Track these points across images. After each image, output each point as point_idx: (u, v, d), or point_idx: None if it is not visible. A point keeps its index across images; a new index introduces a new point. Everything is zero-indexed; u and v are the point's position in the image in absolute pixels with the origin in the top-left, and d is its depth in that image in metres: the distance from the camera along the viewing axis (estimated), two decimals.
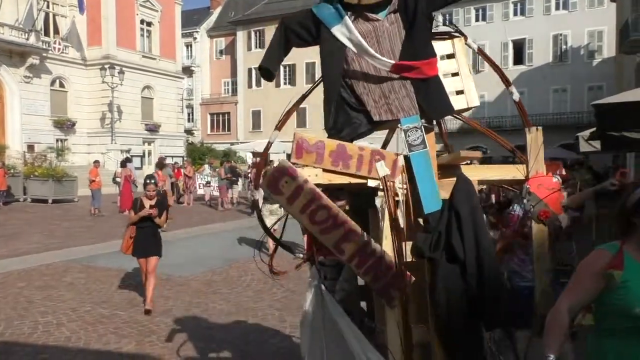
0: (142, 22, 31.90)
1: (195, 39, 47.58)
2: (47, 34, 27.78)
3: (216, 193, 21.06)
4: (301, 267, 3.02)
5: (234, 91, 46.09)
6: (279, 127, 2.86)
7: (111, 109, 28.06)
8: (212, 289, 7.87)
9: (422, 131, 2.67)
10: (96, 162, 18.55)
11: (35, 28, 26.00)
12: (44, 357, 5.15)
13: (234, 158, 30.13)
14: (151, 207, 6.64)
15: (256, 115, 44.18)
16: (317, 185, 2.49)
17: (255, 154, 30.98)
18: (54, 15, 28.58)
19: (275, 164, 2.48)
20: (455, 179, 2.65)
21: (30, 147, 25.29)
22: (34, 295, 7.30)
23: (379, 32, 2.72)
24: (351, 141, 2.71)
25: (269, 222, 9.53)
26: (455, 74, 2.90)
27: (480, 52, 3.05)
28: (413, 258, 2.59)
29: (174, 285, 8.00)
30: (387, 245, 2.54)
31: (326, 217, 2.39)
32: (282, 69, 42.67)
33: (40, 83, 26.83)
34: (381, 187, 2.57)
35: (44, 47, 26.65)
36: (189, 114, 46.36)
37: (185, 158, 29.53)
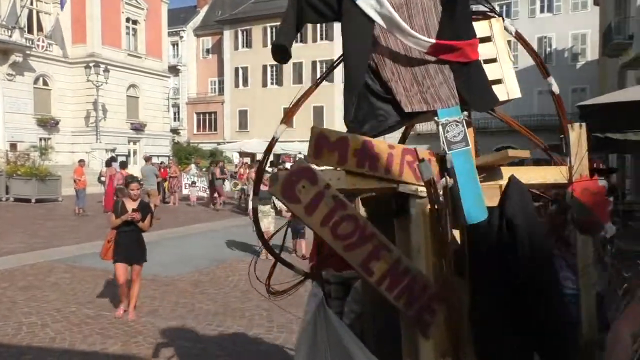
0: (127, 20, 31.62)
1: (181, 37, 47.28)
2: (30, 31, 27.40)
3: (202, 193, 20.96)
4: (302, 285, 2.54)
5: (221, 90, 45.88)
6: (285, 120, 2.33)
7: (96, 107, 27.75)
8: (198, 289, 7.83)
9: (463, 126, 2.22)
10: (81, 161, 18.35)
11: (18, 25, 25.62)
12: (28, 358, 5.07)
13: (220, 158, 29.99)
14: (134, 210, 6.19)
15: (243, 115, 44.03)
16: (340, 190, 2.07)
17: (242, 154, 30.94)
18: (37, 12, 28.20)
19: (287, 165, 2.25)
20: (499, 182, 2.25)
21: (13, 146, 24.92)
22: (17, 296, 7.18)
23: (412, 5, 2.29)
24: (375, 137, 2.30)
25: (261, 225, 9.52)
26: (492, 60, 2.47)
27: (519, 36, 2.59)
28: (453, 277, 2.15)
29: (160, 285, 7.94)
30: (420, 262, 2.12)
31: (352, 230, 1.99)
32: (268, 68, 42.67)
33: (23, 81, 26.45)
34: (416, 192, 2.14)
35: (28, 44, 26.30)
36: (175, 113, 46.04)
37: (170, 157, 29.31)
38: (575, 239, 2.43)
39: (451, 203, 2.12)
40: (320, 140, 2.06)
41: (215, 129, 45.83)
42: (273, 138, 2.26)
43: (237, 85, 44.34)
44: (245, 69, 43.74)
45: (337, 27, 40.49)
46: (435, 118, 2.23)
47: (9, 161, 22.14)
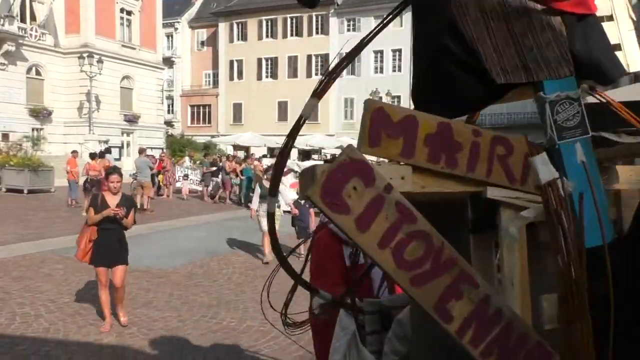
0: (122, 10, 31.38)
1: (176, 29, 47.00)
2: (23, 20, 27.14)
3: (195, 186, 20.93)
4: (327, 313, 2.06)
5: (215, 83, 45.71)
6: (318, 93, 1.56)
7: (89, 98, 27.57)
8: (192, 281, 7.85)
9: (580, 105, 1.58)
10: (74, 152, 18.25)
11: (11, 14, 25.37)
12: (22, 349, 5.08)
13: (214, 151, 29.92)
14: (117, 205, 5.57)
15: (237, 108, 43.92)
16: (405, 195, 1.40)
17: (236, 147, 30.89)
18: (30, 1, 27.92)
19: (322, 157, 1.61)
20: (614, 187, 1.66)
21: (5, 136, 24.74)
22: (10, 286, 7.18)
23: None
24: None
25: (265, 225, 9.31)
26: (607, 18, 1.86)
27: None
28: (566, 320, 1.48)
29: (154, 277, 7.96)
30: (515, 301, 1.47)
31: (423, 255, 1.35)
32: (263, 62, 42.58)
33: (15, 70, 26.22)
34: (512, 199, 1.48)
35: (20, 33, 26.05)
36: (169, 106, 45.85)
37: (163, 150, 29.22)
38: None
39: (571, 217, 1.46)
40: (379, 120, 1.37)
41: (210, 122, 45.70)
42: (301, 117, 1.51)
43: (231, 78, 44.20)
44: (240, 62, 43.59)
45: (332, 21, 40.43)
46: (540, 93, 1.54)
47: (1, 151, 22.00)
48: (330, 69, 1.59)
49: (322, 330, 2.30)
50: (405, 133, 1.39)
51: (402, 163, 1.41)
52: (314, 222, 9.65)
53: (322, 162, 1.46)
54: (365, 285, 2.14)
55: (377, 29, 1.69)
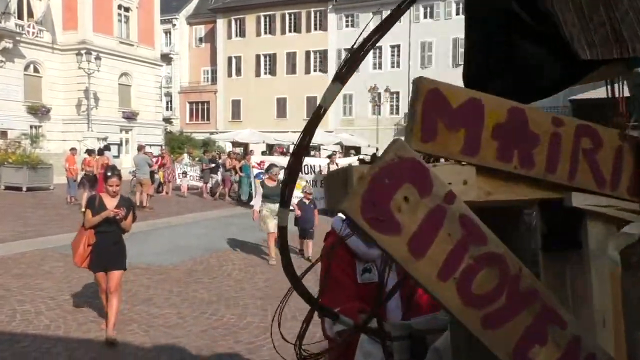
0: (119, 7, 31.28)
1: (174, 25, 46.86)
2: (20, 17, 27.04)
3: (195, 182, 20.91)
4: (347, 340, 1.81)
5: (214, 80, 45.63)
6: (342, 75, 1.09)
7: (87, 95, 27.51)
8: (192, 278, 7.86)
9: None
10: (73, 149, 18.23)
11: (8, 11, 25.28)
12: (23, 345, 5.10)
13: (213, 148, 29.89)
14: (116, 206, 5.34)
15: (236, 104, 43.86)
16: (469, 204, 1.06)
17: (235, 144, 30.84)
18: None
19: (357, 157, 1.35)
20: None
21: (3, 133, 24.68)
22: (10, 284, 7.18)
23: None
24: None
25: (270, 226, 8.78)
26: None
27: None
28: None
29: (154, 274, 7.97)
30: (608, 342, 1.14)
31: (496, 286, 1.02)
32: (262, 58, 42.50)
33: (13, 67, 26.15)
34: (604, 209, 1.13)
35: (18, 30, 25.96)
36: (167, 103, 45.76)
37: (162, 147, 29.19)
38: None
39: None
40: (435, 105, 1.00)
41: (208, 119, 45.64)
42: (321, 108, 1.09)
43: (230, 75, 44.12)
44: (238, 59, 43.51)
45: (331, 17, 40.36)
46: (638, 69, 1.22)
47: (0, 149, 21.96)
48: (357, 45, 1.12)
49: (340, 358, 2.00)
50: (468, 123, 1.03)
51: (463, 163, 1.05)
52: (317, 218, 9.61)
53: (355, 163, 1.06)
54: (375, 301, 1.74)
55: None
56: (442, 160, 1.08)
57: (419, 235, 0.94)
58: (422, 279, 0.95)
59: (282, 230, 1.17)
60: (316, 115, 1.07)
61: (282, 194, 1.06)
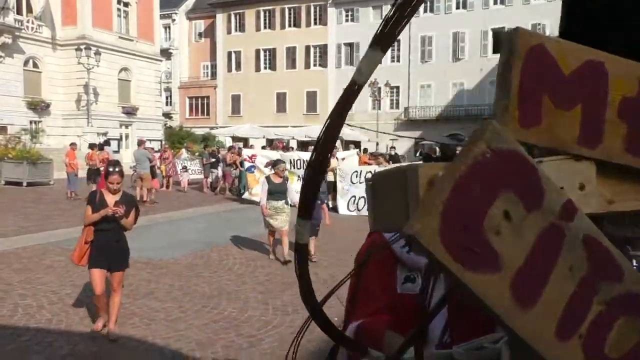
0: (119, 2, 31.21)
1: (173, 20, 46.75)
2: (19, 12, 26.99)
3: (196, 176, 20.94)
4: None
5: (214, 75, 45.57)
6: (383, 41, 0.59)
7: (87, 90, 27.51)
8: (193, 272, 7.89)
9: None
10: (73, 144, 18.24)
11: (7, 6, 25.22)
12: (25, 339, 5.12)
13: (213, 142, 29.89)
14: (116, 203, 5.11)
15: (236, 99, 43.82)
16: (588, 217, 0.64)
17: (235, 139, 30.83)
18: None
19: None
20: None
21: (3, 129, 24.71)
22: (12, 278, 7.21)
23: None
24: None
25: (275, 223, 8.42)
26: None
27: None
28: None
29: (155, 268, 7.99)
30: None
31: (638, 342, 0.62)
32: (262, 53, 42.42)
33: (12, 63, 26.14)
34: None
35: (17, 25, 25.91)
36: (167, 98, 45.73)
37: (163, 142, 29.20)
38: None
39: None
40: (540, 71, 0.62)
41: (208, 114, 45.61)
42: (354, 84, 0.60)
43: (230, 70, 44.06)
44: (238, 54, 43.43)
45: (330, 11, 40.25)
46: None
47: (0, 144, 21.99)
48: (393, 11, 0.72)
49: None
50: (585, 96, 0.67)
51: (578, 156, 0.68)
52: (327, 215, 9.43)
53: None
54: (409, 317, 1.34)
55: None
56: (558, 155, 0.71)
57: (527, 272, 0.59)
58: (533, 339, 0.60)
59: (301, 248, 0.74)
60: (347, 93, 0.64)
61: (301, 201, 0.71)
